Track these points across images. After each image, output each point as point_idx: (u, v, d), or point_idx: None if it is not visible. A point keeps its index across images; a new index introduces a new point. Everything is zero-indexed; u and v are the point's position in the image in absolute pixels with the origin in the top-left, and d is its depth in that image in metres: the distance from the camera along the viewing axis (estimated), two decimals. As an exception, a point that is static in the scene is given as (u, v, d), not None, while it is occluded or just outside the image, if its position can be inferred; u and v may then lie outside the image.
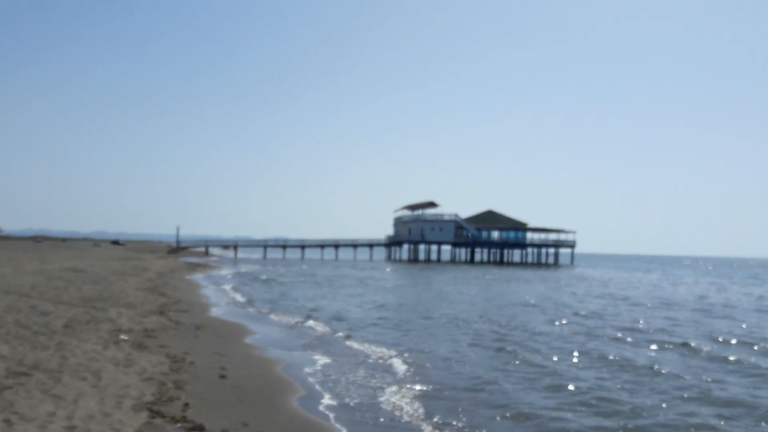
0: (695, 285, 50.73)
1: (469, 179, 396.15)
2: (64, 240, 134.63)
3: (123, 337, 12.72)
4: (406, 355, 14.84)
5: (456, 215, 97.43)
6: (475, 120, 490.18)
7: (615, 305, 29.37)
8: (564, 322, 21.86)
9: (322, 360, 14.03)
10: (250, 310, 24.03)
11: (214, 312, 21.49)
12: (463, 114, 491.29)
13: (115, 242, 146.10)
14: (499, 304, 28.48)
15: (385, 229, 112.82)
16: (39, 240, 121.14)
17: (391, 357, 14.51)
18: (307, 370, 12.86)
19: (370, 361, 14.09)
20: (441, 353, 15.18)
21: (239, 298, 28.59)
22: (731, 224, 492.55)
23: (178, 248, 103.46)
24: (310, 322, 20.49)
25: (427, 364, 13.78)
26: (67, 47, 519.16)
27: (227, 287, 35.04)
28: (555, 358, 14.60)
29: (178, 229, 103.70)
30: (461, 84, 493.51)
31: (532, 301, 29.81)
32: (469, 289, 37.24)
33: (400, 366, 13.54)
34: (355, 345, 16.21)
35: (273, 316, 22.15)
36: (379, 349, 15.54)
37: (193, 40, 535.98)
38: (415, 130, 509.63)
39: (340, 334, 18.06)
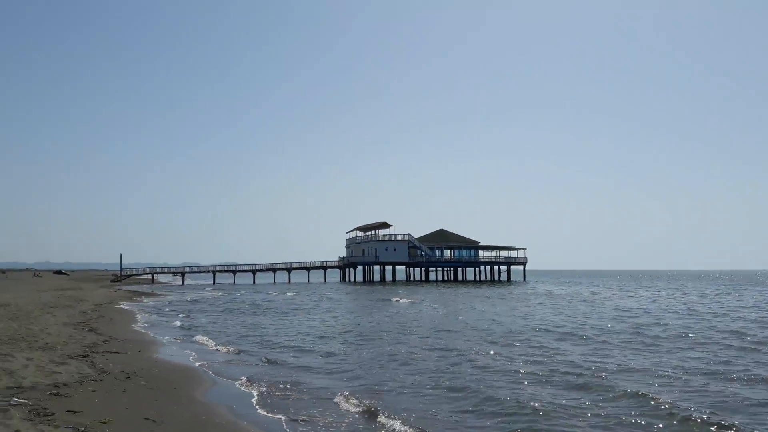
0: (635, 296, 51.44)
1: (420, 199, 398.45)
2: (4, 271, 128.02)
3: (17, 400, 9.61)
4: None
5: (409, 235, 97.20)
6: (425, 141, 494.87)
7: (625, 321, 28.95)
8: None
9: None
10: (203, 347, 20.74)
11: (155, 352, 18.38)
12: (413, 135, 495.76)
13: (59, 272, 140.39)
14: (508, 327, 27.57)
15: (336, 251, 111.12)
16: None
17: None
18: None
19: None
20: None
21: (188, 332, 25.48)
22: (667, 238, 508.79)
23: (122, 276, 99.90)
24: (289, 362, 17.00)
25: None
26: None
27: (174, 319, 32.39)
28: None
29: (121, 256, 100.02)
30: (411, 105, 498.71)
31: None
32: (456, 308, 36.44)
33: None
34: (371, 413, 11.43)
35: (234, 357, 18.46)
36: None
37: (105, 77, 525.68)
38: (366, 152, 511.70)
39: (346, 395, 12.72)
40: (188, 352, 19.43)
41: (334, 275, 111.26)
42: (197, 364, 16.70)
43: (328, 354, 19.14)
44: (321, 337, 23.73)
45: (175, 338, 23.32)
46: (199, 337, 23.56)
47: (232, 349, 20.22)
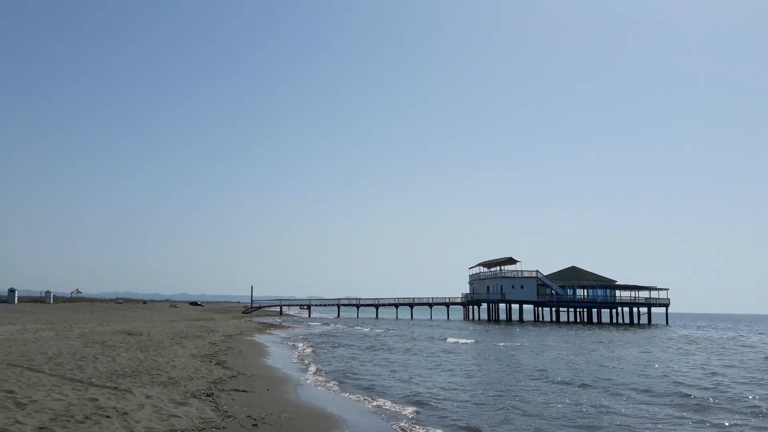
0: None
1: (546, 235, 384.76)
2: (145, 302, 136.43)
3: None
4: None
5: (538, 272, 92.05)
6: (551, 174, 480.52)
7: None
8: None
9: None
10: (337, 388, 18.63)
11: (285, 392, 16.40)
12: (537, 170, 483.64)
13: (194, 303, 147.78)
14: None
15: (455, 286, 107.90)
16: (120, 301, 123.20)
17: None
18: None
19: None
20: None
21: (319, 370, 23.65)
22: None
23: (252, 308, 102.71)
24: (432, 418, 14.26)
25: None
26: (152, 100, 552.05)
27: (303, 354, 30.72)
28: None
29: (252, 288, 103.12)
30: (535, 137, 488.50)
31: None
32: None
33: None
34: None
35: (374, 403, 16.01)
36: None
37: (267, 113, 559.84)
38: (488, 185, 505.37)
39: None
40: (320, 394, 17.30)
41: (458, 313, 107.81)
42: (332, 410, 14.43)
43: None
44: (466, 387, 20.93)
45: (304, 376, 21.42)
46: (328, 377, 21.64)
47: (367, 397, 17.74)
